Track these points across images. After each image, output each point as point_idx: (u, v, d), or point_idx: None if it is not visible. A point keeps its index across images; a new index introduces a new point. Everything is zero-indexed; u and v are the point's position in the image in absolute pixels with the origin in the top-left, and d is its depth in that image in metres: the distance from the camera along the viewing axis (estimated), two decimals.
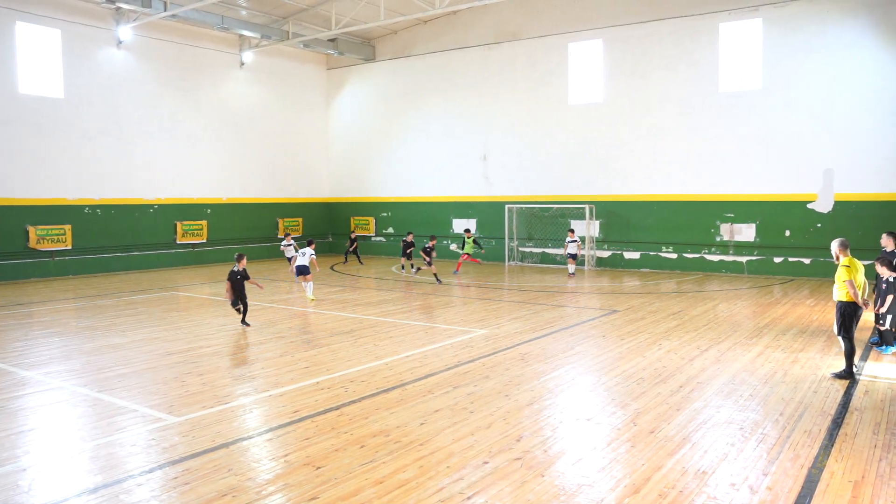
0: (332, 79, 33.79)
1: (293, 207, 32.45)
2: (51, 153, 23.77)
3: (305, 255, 17.61)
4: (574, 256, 23.18)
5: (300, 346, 12.22)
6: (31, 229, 23.22)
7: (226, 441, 7.36)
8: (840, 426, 7.77)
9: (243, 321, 14.15)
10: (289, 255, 23.10)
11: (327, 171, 34.10)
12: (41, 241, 23.47)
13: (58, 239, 23.91)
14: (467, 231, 25.33)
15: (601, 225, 26.08)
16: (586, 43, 26.06)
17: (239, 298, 14.04)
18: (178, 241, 27.59)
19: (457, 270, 24.45)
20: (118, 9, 24.80)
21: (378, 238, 32.39)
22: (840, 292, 9.73)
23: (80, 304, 17.79)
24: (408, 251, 24.63)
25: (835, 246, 9.92)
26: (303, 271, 17.50)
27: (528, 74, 27.44)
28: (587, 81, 26.21)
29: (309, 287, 17.51)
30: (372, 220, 32.61)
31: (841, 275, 9.65)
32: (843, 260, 9.72)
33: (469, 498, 5.89)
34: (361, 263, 28.31)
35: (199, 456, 6.90)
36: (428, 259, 21.95)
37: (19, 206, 23.07)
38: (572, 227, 25.40)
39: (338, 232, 33.74)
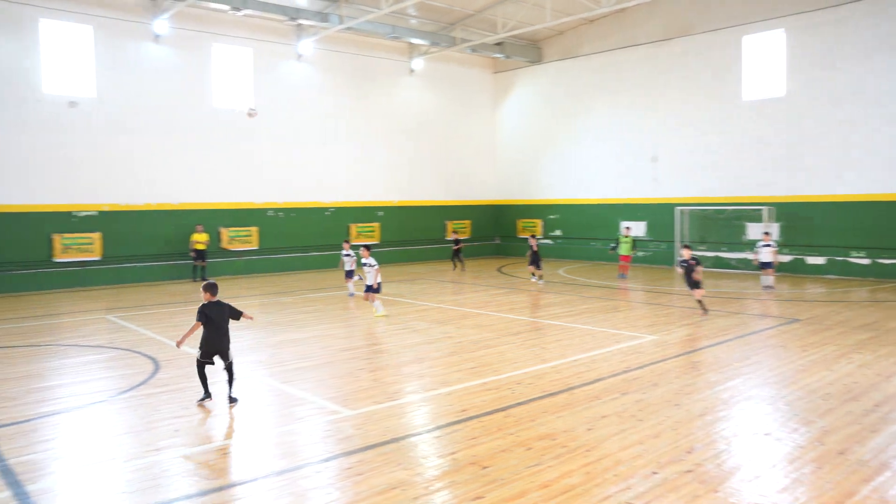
0: (499, 82, 34.13)
1: (461, 210, 33.12)
2: (239, 162, 25.83)
3: (372, 270, 15.73)
4: (770, 265, 19.97)
5: (468, 347, 12.43)
6: (223, 231, 25.35)
7: (396, 436, 7.63)
8: None
9: (230, 396, 9.02)
10: (347, 268, 19.57)
11: (494, 173, 34.48)
12: (231, 242, 25.54)
13: (245, 240, 25.93)
14: (627, 228, 24.43)
15: (781, 228, 24.40)
16: (764, 34, 24.51)
17: (220, 350, 9.06)
18: (353, 242, 28.94)
19: (624, 274, 23.72)
20: (299, 25, 26.49)
21: (546, 241, 32.26)
22: None
23: (264, 301, 19.14)
24: (535, 258, 22.39)
25: None
26: (371, 289, 15.81)
27: (700, 71, 26.26)
28: (764, 76, 24.65)
29: (377, 304, 15.82)
30: (539, 222, 32.55)
31: None
32: None
33: None
34: (464, 270, 26.95)
35: (372, 449, 7.20)
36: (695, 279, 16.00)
37: (213, 210, 25.26)
38: (767, 229, 22.72)
39: (505, 234, 34.00)
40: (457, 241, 27.48)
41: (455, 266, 27.26)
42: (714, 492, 6.04)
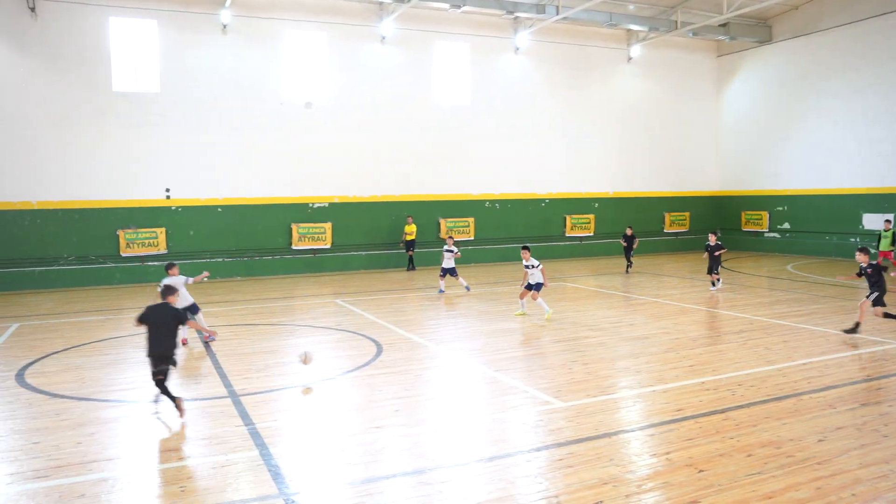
0: (723, 66, 32.18)
1: (679, 201, 31.77)
2: (457, 154, 26.77)
3: (536, 270, 14.65)
4: None
5: (686, 344, 11.94)
6: (441, 221, 26.45)
7: (608, 431, 7.53)
8: None
9: (177, 407, 8.14)
10: (446, 265, 18.96)
11: (716, 163, 32.63)
12: (449, 232, 26.55)
13: (463, 230, 26.86)
14: (887, 222, 21.96)
15: None
16: None
17: (163, 356, 8.08)
18: (567, 234, 28.92)
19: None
20: (516, 18, 26.78)
21: (772, 234, 30.03)
22: None
23: (480, 291, 19.65)
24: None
25: None
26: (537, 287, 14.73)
27: None
28: None
29: (543, 304, 14.69)
30: (765, 214, 30.32)
31: None
32: None
33: None
34: (628, 271, 23.46)
35: (583, 442, 7.17)
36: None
37: (432, 202, 26.44)
38: None
39: (727, 227, 32.07)
40: (630, 238, 23.57)
41: (627, 267, 23.65)
42: None
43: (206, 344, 12.40)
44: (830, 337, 12.29)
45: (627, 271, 23.37)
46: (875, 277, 12.15)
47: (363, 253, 25.45)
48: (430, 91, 26.32)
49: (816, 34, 27.79)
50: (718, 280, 18.81)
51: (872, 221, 26.06)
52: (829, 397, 8.65)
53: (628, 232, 23.76)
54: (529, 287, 14.75)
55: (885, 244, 21.38)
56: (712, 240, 18.73)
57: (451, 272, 18.86)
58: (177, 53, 22.61)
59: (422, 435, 7.56)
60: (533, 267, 14.59)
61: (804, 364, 10.36)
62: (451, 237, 19.93)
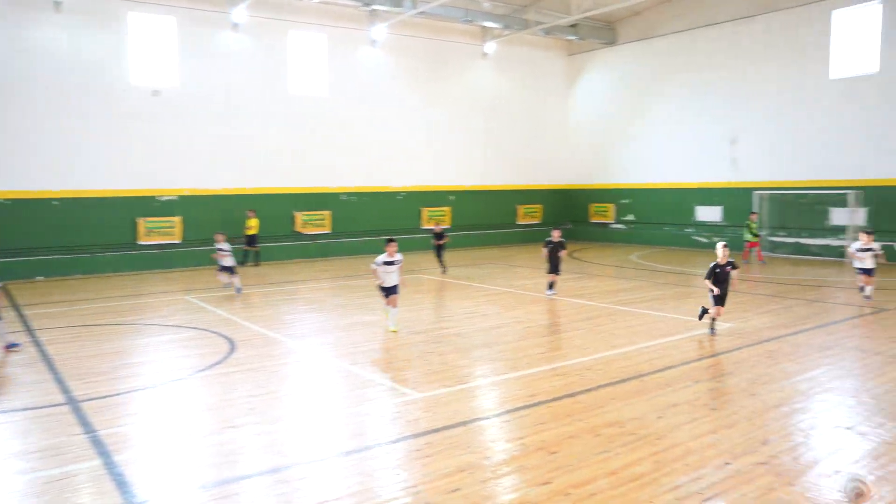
0: (573, 65, 33.62)
1: (532, 194, 32.90)
2: (314, 146, 26.31)
3: (394, 268, 12.35)
4: (870, 272, 15.24)
5: (539, 332, 12.38)
6: (297, 215, 25.93)
7: (464, 419, 7.68)
8: None
9: None
10: (225, 264, 17.49)
11: (567, 157, 34.05)
12: (305, 226, 26.11)
13: (319, 223, 26.44)
14: (754, 214, 23.47)
15: (868, 213, 23.31)
16: (857, 8, 23.33)
17: None
18: (422, 227, 29.18)
19: (747, 259, 23.02)
20: (372, 11, 26.67)
21: (617, 225, 31.77)
22: None
23: (336, 284, 19.49)
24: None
25: None
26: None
27: (784, 49, 25.21)
28: (855, 52, 23.50)
29: (394, 314, 12.56)
30: (612, 206, 32.05)
31: None
32: None
33: (707, 499, 5.62)
34: (445, 272, 21.29)
35: (440, 431, 7.27)
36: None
37: (288, 195, 25.86)
38: (869, 229, 18.66)
39: (577, 219, 33.61)
40: (440, 235, 21.31)
41: (442, 266, 21.51)
42: (790, 485, 5.87)
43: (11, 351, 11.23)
44: (669, 321, 13.16)
45: (443, 272, 20.99)
46: (725, 276, 11.71)
47: (214, 247, 24.38)
48: (286, 82, 25.69)
49: (656, 39, 29.63)
50: (554, 284, 16.44)
51: (705, 213, 28.18)
52: (667, 377, 9.26)
53: (437, 229, 21.32)
54: (392, 291, 12.46)
55: (747, 235, 22.98)
56: (556, 236, 16.52)
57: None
58: (5, 31, 20.75)
59: (278, 432, 7.39)
60: (395, 263, 12.32)
61: (646, 347, 11.03)
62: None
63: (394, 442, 7.04)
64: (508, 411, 7.99)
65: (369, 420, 7.81)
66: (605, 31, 31.12)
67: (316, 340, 12.08)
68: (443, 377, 9.43)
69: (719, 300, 11.71)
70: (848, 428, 7.33)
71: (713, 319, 11.97)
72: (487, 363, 10.31)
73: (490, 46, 30.61)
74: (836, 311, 14.25)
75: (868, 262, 15.06)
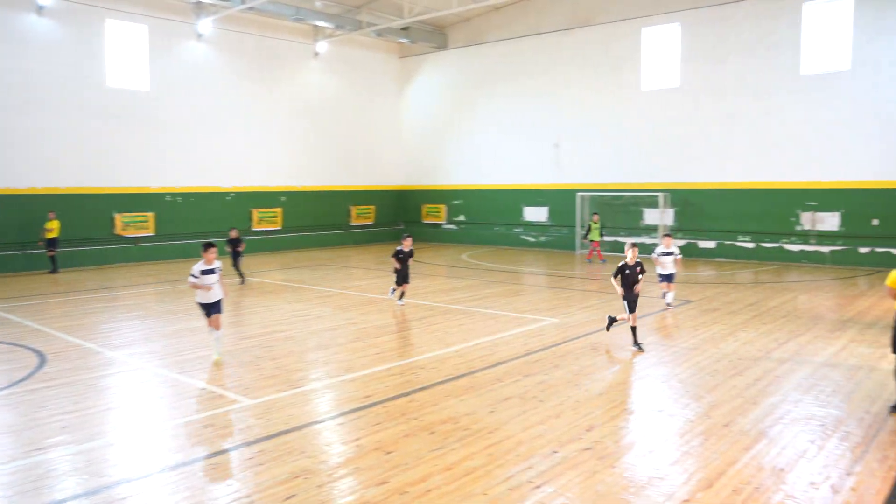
0: (405, 67, 34.00)
1: (365, 195, 32.88)
2: (135, 143, 24.73)
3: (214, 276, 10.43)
4: (671, 278, 14.77)
5: (373, 332, 12.39)
6: (117, 217, 24.26)
7: (299, 424, 7.53)
8: None
9: None
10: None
11: (399, 158, 34.37)
12: (126, 228, 24.49)
13: (142, 226, 24.91)
14: (595, 214, 24.55)
15: (675, 213, 25.47)
16: (662, 27, 25.40)
17: None
18: (254, 229, 28.32)
19: (589, 259, 24.28)
20: (199, 3, 25.52)
21: (449, 226, 32.50)
22: None
23: (161, 289, 18.47)
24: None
25: None
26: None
27: (601, 60, 26.96)
28: (661, 67, 25.58)
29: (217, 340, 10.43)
30: (443, 207, 32.75)
31: None
32: None
33: (538, 487, 5.87)
34: (243, 282, 19.14)
35: (273, 438, 7.08)
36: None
37: (106, 195, 24.12)
38: (668, 231, 20.82)
39: (409, 220, 34.02)
40: (236, 241, 19.21)
41: (240, 276, 19.32)
42: (611, 467, 6.27)
43: None
44: (500, 318, 13.63)
45: (241, 282, 19.03)
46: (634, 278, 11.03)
47: (19, 252, 22.33)
48: (102, 73, 23.87)
49: (485, 45, 30.62)
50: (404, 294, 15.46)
51: (532, 214, 29.50)
52: (498, 372, 9.59)
53: (232, 234, 19.29)
54: (213, 309, 10.30)
55: (594, 235, 24.12)
56: (408, 245, 15.25)
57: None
58: None
59: (96, 451, 6.86)
60: (215, 272, 10.37)
61: (477, 344, 11.36)
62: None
63: (225, 452, 6.77)
64: (344, 413, 7.94)
65: (199, 430, 7.45)
66: (436, 36, 31.74)
67: (139, 349, 11.37)
68: (276, 382, 9.19)
69: (632, 306, 10.91)
70: (660, 410, 7.95)
71: (633, 328, 11.00)
72: (322, 366, 10.18)
73: (322, 46, 30.27)
74: (650, 304, 15.37)
75: (669, 267, 14.55)
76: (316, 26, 29.64)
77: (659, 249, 14.86)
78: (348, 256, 26.74)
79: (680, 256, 15.10)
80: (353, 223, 32.34)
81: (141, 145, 24.87)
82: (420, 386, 8.93)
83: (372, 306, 15.27)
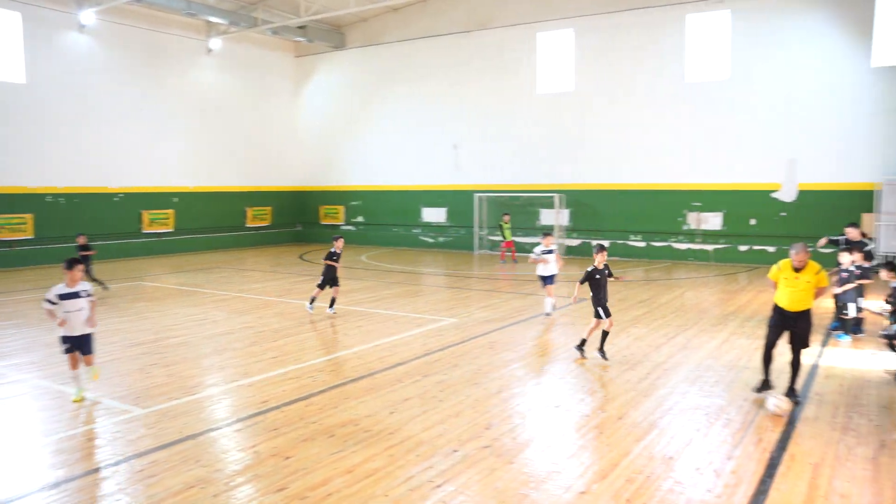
0: (302, 66, 33.47)
1: (262, 196, 32.14)
2: (11, 140, 23.22)
3: None
4: (551, 280, 13.79)
5: (270, 336, 12.13)
6: None
7: (193, 432, 7.28)
8: (802, 410, 7.93)
9: None
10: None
11: (297, 159, 33.77)
12: (1, 231, 22.98)
13: (18, 228, 23.43)
14: (506, 215, 24.71)
15: (570, 213, 26.23)
16: (556, 32, 26.09)
17: None
18: (144, 231, 27.18)
19: (503, 260, 24.53)
20: None
21: (348, 227, 32.23)
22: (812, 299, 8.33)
23: (41, 296, 17.40)
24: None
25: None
26: None
27: (498, 63, 27.41)
28: (556, 71, 26.28)
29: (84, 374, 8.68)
30: (341, 208, 32.45)
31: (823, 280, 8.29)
32: (814, 265, 8.30)
33: (438, 486, 5.90)
34: (105, 288, 17.62)
35: (167, 448, 6.82)
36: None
37: None
38: (548, 230, 19.66)
39: (307, 221, 33.52)
40: (85, 247, 17.59)
41: (97, 282, 17.47)
42: (510, 464, 6.38)
43: None
44: (399, 319, 13.63)
45: (104, 288, 17.51)
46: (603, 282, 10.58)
47: None
48: None
49: (383, 46, 30.53)
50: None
51: (430, 215, 29.65)
52: (398, 373, 9.59)
53: (80, 241, 17.68)
54: (79, 344, 8.47)
55: (507, 234, 24.34)
56: (339, 245, 14.29)
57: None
58: None
59: None
60: (80, 296, 8.52)
61: (377, 345, 11.32)
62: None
63: (114, 465, 6.46)
64: (240, 420, 7.73)
65: (83, 444, 7.07)
66: (333, 35, 31.40)
67: (18, 360, 10.69)
68: (169, 389, 8.85)
69: (605, 311, 10.37)
70: (557, 406, 8.15)
71: (604, 333, 10.35)
72: (217, 371, 9.89)
73: (215, 43, 29.38)
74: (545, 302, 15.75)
75: (552, 267, 13.62)
76: (209, 22, 28.75)
77: (539, 249, 13.82)
78: (244, 259, 26.08)
79: (558, 253, 14.03)
80: (250, 225, 31.56)
81: (17, 141, 23.37)
82: (319, 389, 8.81)
83: (269, 309, 14.95)
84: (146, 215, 27.21)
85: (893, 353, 9.56)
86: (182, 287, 18.61)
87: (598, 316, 10.39)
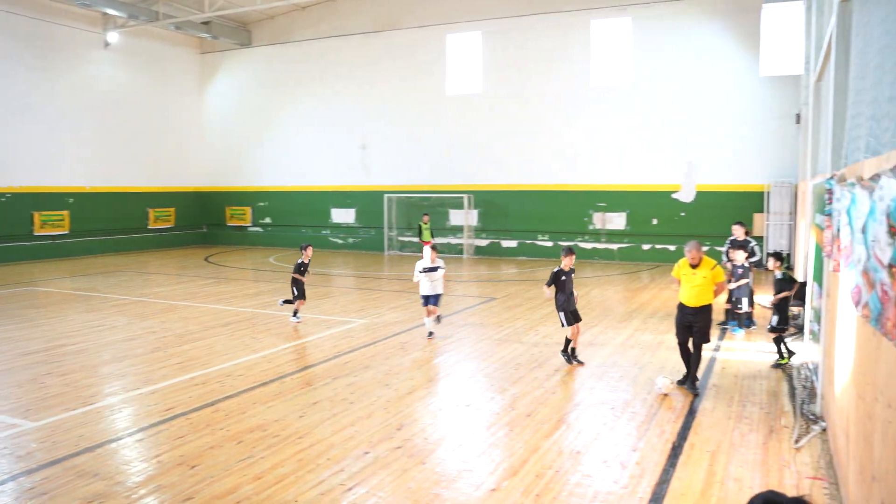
0: (207, 63, 32.51)
1: (165, 196, 31.00)
2: None
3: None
4: (435, 300, 11.78)
5: (174, 341, 11.72)
6: None
7: (91, 444, 6.95)
8: (701, 401, 8.27)
9: None
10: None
11: (202, 158, 32.74)
12: None
13: None
14: (425, 215, 24.40)
15: (479, 214, 26.52)
16: (465, 34, 26.34)
17: None
18: (36, 233, 25.76)
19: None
20: None
21: (255, 228, 31.55)
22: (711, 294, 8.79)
23: None
24: None
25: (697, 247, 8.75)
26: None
27: (408, 64, 27.43)
28: (465, 73, 26.52)
29: None
30: (248, 209, 31.70)
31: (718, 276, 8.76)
32: (709, 261, 8.84)
33: (350, 489, 5.84)
34: None
35: (60, 462, 6.48)
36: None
37: None
38: (434, 243, 18.06)
39: (213, 222, 32.60)
40: None
41: None
42: (422, 464, 6.38)
43: None
44: (309, 321, 13.42)
45: None
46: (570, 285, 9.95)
47: None
48: None
49: (291, 44, 30.02)
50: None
51: (340, 215, 29.38)
52: (307, 376, 9.45)
53: None
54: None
55: (426, 235, 24.10)
56: (307, 255, 13.50)
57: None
58: None
59: None
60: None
61: (286, 348, 11.12)
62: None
63: (0, 484, 6.08)
64: (142, 429, 7.43)
65: None
66: (239, 32, 30.64)
67: None
68: (64, 400, 8.42)
69: (570, 317, 9.87)
70: (467, 405, 8.21)
71: (568, 341, 9.98)
72: (117, 379, 9.48)
73: (113, 36, 28.15)
74: (455, 302, 15.87)
75: (438, 286, 11.68)
76: (106, 14, 27.51)
77: (421, 264, 11.62)
78: (146, 262, 25.11)
79: (445, 270, 11.91)
80: (152, 226, 30.41)
81: None
82: (226, 395, 8.58)
83: (173, 314, 14.45)
84: (38, 216, 25.79)
85: (775, 345, 10.09)
86: (78, 292, 17.75)
87: (562, 323, 9.87)
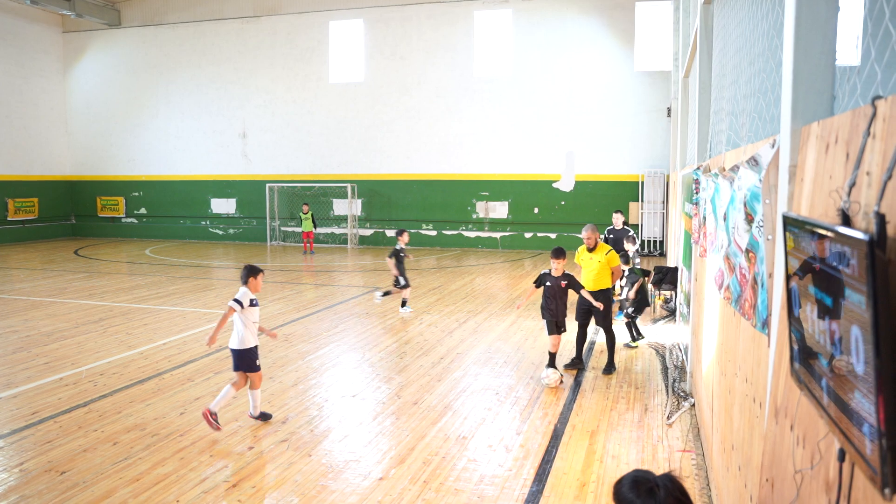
0: (70, 43, 30.53)
1: (26, 186, 28.92)
2: None
3: None
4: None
5: (40, 340, 11.02)
6: None
7: None
8: (580, 384, 8.61)
9: None
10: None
11: (68, 145, 30.81)
12: None
13: None
14: (305, 205, 24.13)
15: (363, 203, 26.39)
16: (347, 22, 26.05)
17: None
18: None
19: (306, 251, 23.80)
20: None
21: (129, 219, 30.07)
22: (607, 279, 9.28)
23: None
24: None
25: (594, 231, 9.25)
26: None
27: (289, 51, 26.86)
28: (348, 60, 26.26)
29: None
30: (122, 199, 30.12)
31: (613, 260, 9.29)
32: (604, 246, 9.35)
33: (235, 486, 5.72)
34: None
35: None
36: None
37: None
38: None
39: (81, 213, 30.79)
40: None
41: None
42: (308, 456, 6.32)
43: None
44: (188, 315, 12.97)
45: None
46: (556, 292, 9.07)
47: None
48: None
49: (164, 27, 28.69)
50: None
51: (220, 206, 28.46)
52: (188, 371, 9.14)
53: None
54: None
55: (307, 226, 23.55)
56: (404, 240, 13.75)
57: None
58: None
59: None
60: None
61: (164, 344, 10.70)
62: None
63: None
64: (3, 436, 6.96)
65: None
66: (107, 11, 28.96)
67: None
68: None
69: (552, 326, 8.96)
70: (353, 395, 8.20)
71: (552, 354, 8.90)
72: None
73: None
74: (339, 293, 15.76)
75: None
76: None
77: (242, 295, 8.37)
78: (7, 256, 23.43)
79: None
80: (12, 218, 28.35)
81: None
82: (100, 394, 8.17)
83: (38, 311, 13.57)
84: None
85: (627, 329, 10.80)
86: None
87: (549, 331, 8.98)
